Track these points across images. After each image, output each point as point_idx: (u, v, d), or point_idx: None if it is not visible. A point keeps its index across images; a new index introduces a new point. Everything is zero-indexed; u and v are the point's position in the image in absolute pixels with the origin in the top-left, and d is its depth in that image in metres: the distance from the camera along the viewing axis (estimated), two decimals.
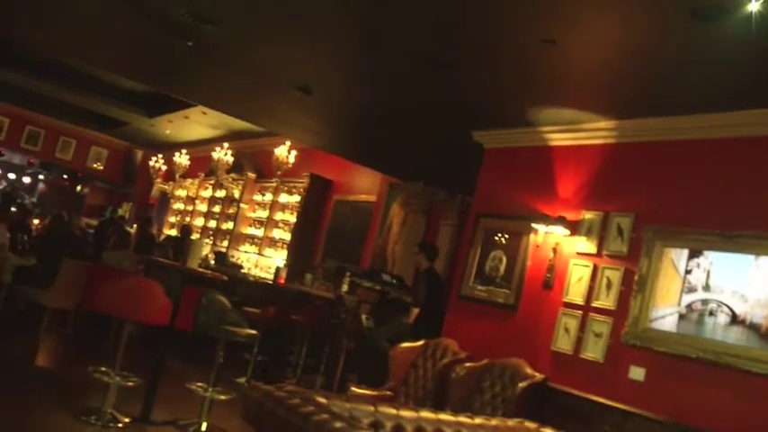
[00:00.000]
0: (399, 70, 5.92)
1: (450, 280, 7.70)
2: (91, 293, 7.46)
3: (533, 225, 5.90)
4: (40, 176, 24.99)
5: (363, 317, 7.51)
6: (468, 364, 5.66)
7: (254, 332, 5.88)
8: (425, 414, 3.33)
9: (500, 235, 6.37)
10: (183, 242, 10.55)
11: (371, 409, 3.10)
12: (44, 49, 11.32)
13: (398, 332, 7.16)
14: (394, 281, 8.01)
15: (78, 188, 22.24)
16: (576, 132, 5.87)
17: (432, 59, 5.33)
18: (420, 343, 6.28)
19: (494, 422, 3.67)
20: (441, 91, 6.11)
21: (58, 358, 8.03)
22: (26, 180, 25.60)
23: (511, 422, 3.75)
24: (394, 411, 3.17)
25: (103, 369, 5.44)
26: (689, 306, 4.71)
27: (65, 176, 22.64)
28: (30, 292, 8.11)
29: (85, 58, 10.32)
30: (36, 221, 12.60)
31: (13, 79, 14.70)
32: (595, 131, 5.72)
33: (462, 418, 3.49)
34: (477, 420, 3.55)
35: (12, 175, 25.17)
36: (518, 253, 6.12)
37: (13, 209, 12.26)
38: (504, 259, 6.24)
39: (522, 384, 5.14)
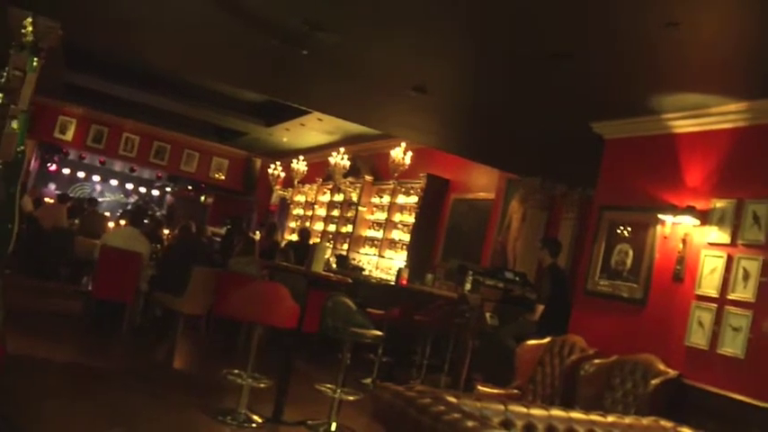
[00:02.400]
0: (514, 64, 5.86)
1: (574, 275, 7.54)
2: (220, 299, 7.79)
3: (660, 216, 5.70)
4: (167, 189, 26.27)
5: (487, 315, 7.46)
6: (596, 361, 5.52)
7: (379, 333, 5.96)
8: (556, 412, 3.26)
9: (624, 227, 6.18)
10: (302, 246, 10.82)
11: (501, 407, 3.07)
12: (169, 68, 11.92)
13: (523, 330, 7.07)
14: (517, 278, 7.93)
15: (202, 198, 23.18)
16: (703, 117, 5.61)
17: (548, 51, 5.24)
18: (546, 340, 6.18)
19: (627, 420, 3.55)
20: (557, 83, 6.00)
21: (193, 361, 8.42)
22: (155, 193, 27.00)
23: (645, 420, 3.62)
24: (524, 410, 3.13)
25: (236, 371, 5.63)
26: None
27: (189, 188, 23.63)
28: (165, 298, 8.54)
29: (206, 73, 10.81)
30: (166, 232, 13.21)
31: (142, 98, 15.54)
32: (724, 115, 5.44)
33: (594, 417, 3.40)
34: (610, 419, 3.45)
35: (142, 189, 26.60)
36: (645, 245, 5.91)
37: (145, 221, 12.90)
38: (631, 252, 6.05)
39: (654, 381, 4.96)
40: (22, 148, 4.13)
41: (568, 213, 9.65)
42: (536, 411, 3.17)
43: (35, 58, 4.16)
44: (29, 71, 4.02)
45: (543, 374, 6.00)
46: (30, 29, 4.07)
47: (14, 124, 3.82)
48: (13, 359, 5.27)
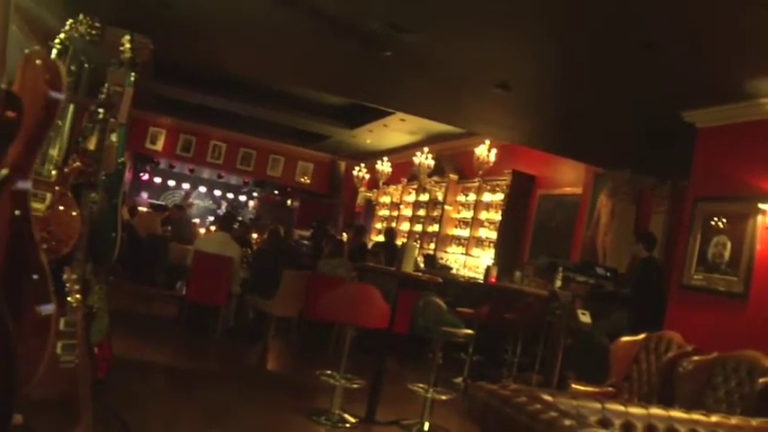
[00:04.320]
0: (601, 56, 5.74)
1: (668, 269, 7.33)
2: (311, 301, 7.93)
3: (761, 206, 5.49)
4: (254, 194, 26.83)
5: (579, 312, 7.33)
6: (695, 358, 5.33)
7: (470, 332, 5.94)
8: (655, 411, 3.17)
9: (720, 219, 5.97)
10: (388, 246, 10.88)
11: (598, 406, 3.01)
12: (252, 75, 12.20)
13: (617, 326, 6.91)
14: (608, 273, 7.75)
15: (288, 202, 23.55)
16: None
17: (637, 40, 5.10)
18: (641, 336, 6.02)
19: (733, 421, 3.41)
20: (646, 73, 5.84)
21: (286, 362, 8.60)
22: (242, 198, 27.63)
23: (755, 422, 3.46)
24: (622, 408, 3.06)
25: (329, 372, 5.71)
26: None
27: (275, 192, 24.04)
28: (257, 301, 8.75)
29: (289, 79, 11.00)
30: (255, 236, 13.51)
31: (228, 106, 15.94)
32: None
33: (697, 416, 3.28)
34: (714, 418, 3.33)
35: (230, 195, 27.26)
36: (744, 236, 5.70)
37: (234, 226, 13.24)
38: (729, 244, 5.84)
39: (762, 380, 4.74)
40: (122, 159, 4.32)
41: (659, 207, 9.39)
42: (634, 410, 3.10)
43: (132, 73, 4.35)
44: (126, 86, 4.22)
45: (639, 372, 5.84)
46: (128, 46, 4.26)
47: (113, 137, 4.00)
48: (119, 361, 5.50)
